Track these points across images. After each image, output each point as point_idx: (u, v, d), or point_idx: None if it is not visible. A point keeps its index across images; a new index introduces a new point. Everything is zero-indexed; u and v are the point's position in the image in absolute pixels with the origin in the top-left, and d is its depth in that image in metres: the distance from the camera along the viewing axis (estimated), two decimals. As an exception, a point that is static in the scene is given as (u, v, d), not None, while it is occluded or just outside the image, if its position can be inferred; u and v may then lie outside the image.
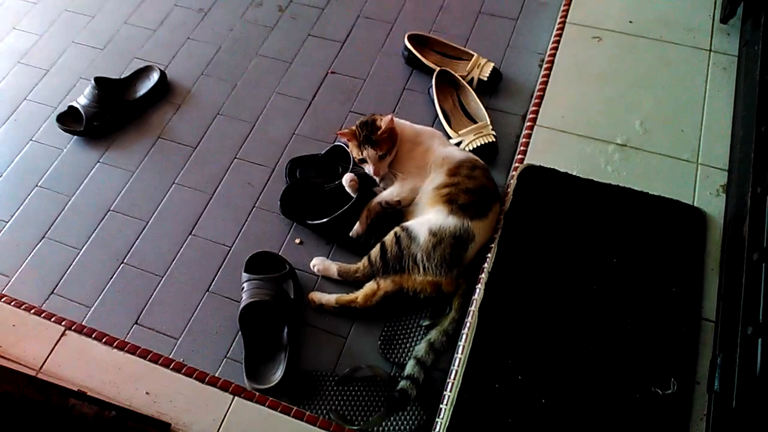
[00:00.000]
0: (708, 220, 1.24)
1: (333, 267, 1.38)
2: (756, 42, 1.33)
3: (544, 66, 1.58)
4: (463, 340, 1.19)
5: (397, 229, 1.30)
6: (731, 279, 1.09)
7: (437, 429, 1.11)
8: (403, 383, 1.17)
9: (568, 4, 1.66)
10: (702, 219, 1.24)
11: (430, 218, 1.28)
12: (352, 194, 1.41)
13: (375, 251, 1.31)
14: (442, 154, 1.36)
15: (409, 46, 1.72)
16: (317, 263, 1.40)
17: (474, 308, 1.21)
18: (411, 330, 1.30)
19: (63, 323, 1.31)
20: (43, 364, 1.24)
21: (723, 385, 0.98)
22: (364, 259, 1.33)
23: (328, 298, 1.34)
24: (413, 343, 1.27)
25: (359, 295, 1.31)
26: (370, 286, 1.31)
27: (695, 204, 1.27)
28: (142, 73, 1.79)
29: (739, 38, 1.47)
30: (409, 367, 1.20)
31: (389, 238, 1.30)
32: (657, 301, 1.15)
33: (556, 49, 1.58)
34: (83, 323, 1.35)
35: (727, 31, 1.52)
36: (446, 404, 1.12)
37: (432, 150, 1.38)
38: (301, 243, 1.47)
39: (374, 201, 1.39)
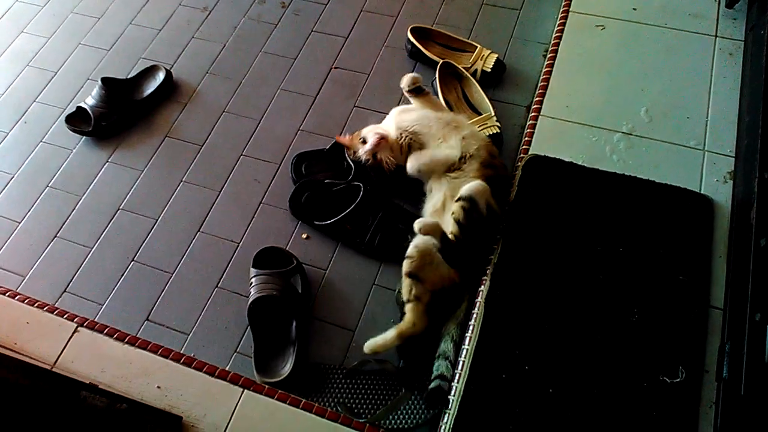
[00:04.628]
0: (715, 207, 1.23)
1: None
2: (762, 26, 1.31)
3: (548, 56, 1.57)
4: (470, 331, 1.20)
5: (461, 202, 1.25)
6: (739, 266, 1.08)
7: (445, 420, 1.11)
8: (436, 382, 1.16)
9: (571, -7, 1.65)
10: (709, 206, 1.23)
11: (485, 188, 1.26)
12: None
13: (455, 229, 1.24)
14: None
15: (412, 39, 1.72)
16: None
17: (480, 299, 1.21)
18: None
19: (75, 320, 1.33)
20: (57, 359, 1.26)
21: (731, 372, 0.97)
22: (454, 233, 1.25)
23: (388, 336, 1.23)
24: (431, 339, 1.25)
25: (411, 320, 1.23)
26: (413, 308, 1.23)
27: (702, 191, 1.26)
28: (148, 72, 1.81)
29: (745, 23, 1.45)
30: (443, 367, 1.18)
31: (460, 213, 1.24)
32: (664, 290, 1.14)
33: (559, 38, 1.57)
34: (95, 320, 1.37)
35: (733, 16, 1.50)
36: (453, 395, 1.12)
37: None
38: (308, 238, 1.48)
39: None
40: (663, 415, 1.03)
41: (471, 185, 1.26)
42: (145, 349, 1.28)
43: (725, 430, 0.97)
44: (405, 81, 1.48)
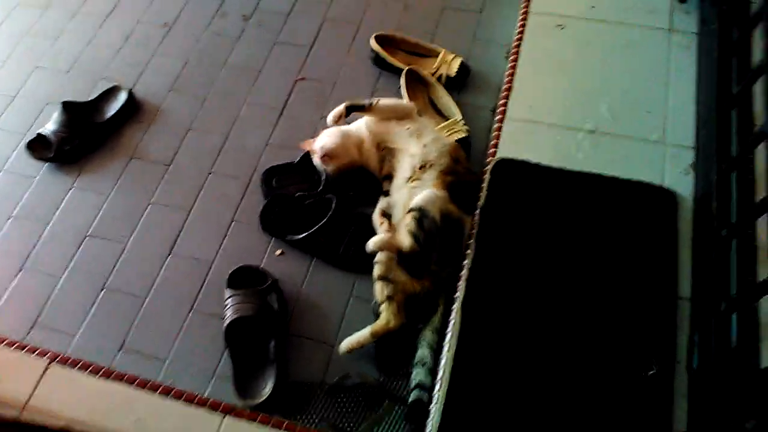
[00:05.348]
0: (679, 199, 1.25)
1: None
2: (713, 20, 1.34)
3: (510, 57, 1.59)
4: (447, 338, 1.20)
5: (412, 213, 1.27)
6: (703, 256, 1.10)
7: (429, 429, 1.11)
8: (415, 393, 1.17)
9: (530, -7, 1.66)
10: (672, 199, 1.25)
11: (437, 197, 1.28)
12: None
13: (409, 242, 1.26)
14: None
15: (376, 46, 1.72)
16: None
17: (457, 307, 1.22)
18: (403, 336, 1.29)
19: (47, 356, 1.30)
20: (29, 400, 1.23)
21: (701, 362, 0.99)
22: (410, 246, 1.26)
23: (363, 334, 1.26)
24: (409, 349, 1.26)
25: (386, 317, 1.25)
26: (386, 307, 1.26)
27: (666, 184, 1.28)
28: (109, 93, 1.77)
29: (698, 17, 1.49)
30: (421, 375, 1.19)
31: (412, 224, 1.26)
32: (634, 284, 1.16)
33: (520, 39, 1.59)
34: (67, 354, 1.33)
35: (686, 10, 1.53)
36: (435, 404, 1.13)
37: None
38: (282, 254, 1.47)
39: None
40: (639, 408, 1.05)
41: (422, 195, 1.29)
42: (121, 380, 1.25)
43: (698, 419, 0.99)
44: (329, 120, 1.47)
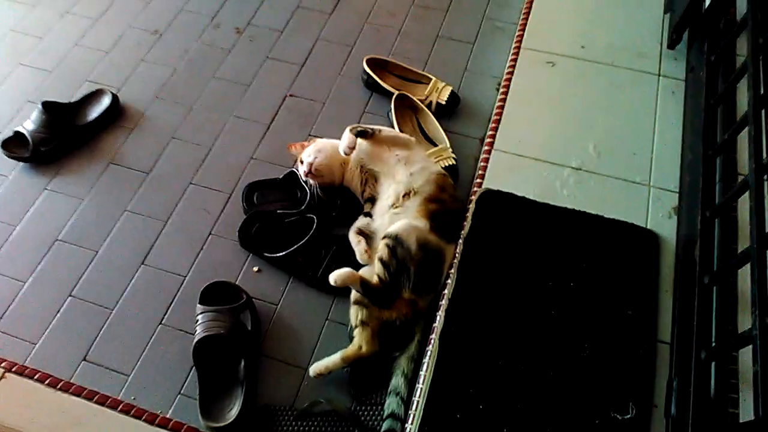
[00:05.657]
0: (661, 242, 1.26)
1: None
2: (700, 68, 1.37)
3: (501, 90, 1.60)
4: (424, 369, 1.17)
5: (386, 240, 1.27)
6: (684, 302, 1.10)
7: (399, 463, 1.08)
8: (388, 423, 1.15)
9: (523, 30, 1.68)
10: (655, 241, 1.26)
11: (413, 227, 1.28)
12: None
13: (380, 269, 1.26)
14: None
15: (368, 69, 1.72)
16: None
17: (435, 337, 1.19)
18: (378, 364, 1.26)
19: (3, 364, 1.24)
20: (-21, 411, 1.17)
21: (679, 409, 0.98)
22: (378, 274, 1.27)
23: (333, 359, 1.24)
24: (384, 377, 1.24)
25: (357, 343, 1.24)
26: (360, 332, 1.25)
27: (648, 226, 1.29)
28: (93, 96, 1.73)
29: (685, 63, 1.52)
30: (393, 405, 1.17)
31: (384, 252, 1.26)
32: (613, 325, 1.16)
33: (511, 73, 1.60)
34: (25, 363, 1.28)
35: (675, 56, 1.57)
36: (408, 437, 1.09)
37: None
38: (259, 271, 1.43)
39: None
40: (614, 452, 1.03)
41: (399, 223, 1.29)
42: (79, 395, 1.20)
43: (675, 466, 0.98)
44: (343, 149, 1.41)
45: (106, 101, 1.71)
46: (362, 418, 1.21)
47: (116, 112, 1.72)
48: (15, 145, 1.63)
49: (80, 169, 1.63)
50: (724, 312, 0.99)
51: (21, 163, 1.64)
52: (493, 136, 1.48)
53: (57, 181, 1.61)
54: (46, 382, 1.22)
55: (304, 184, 1.49)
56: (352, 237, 1.38)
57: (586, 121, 1.48)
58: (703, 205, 1.12)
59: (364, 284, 1.26)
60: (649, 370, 1.09)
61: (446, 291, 1.25)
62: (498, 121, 1.50)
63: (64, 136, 1.64)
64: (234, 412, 1.19)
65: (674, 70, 1.55)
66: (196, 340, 1.23)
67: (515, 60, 1.62)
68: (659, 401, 1.06)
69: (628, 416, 1.04)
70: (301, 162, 1.47)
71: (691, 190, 1.22)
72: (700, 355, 0.96)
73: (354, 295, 1.29)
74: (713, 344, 0.96)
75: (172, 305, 1.38)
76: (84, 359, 1.31)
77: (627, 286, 1.20)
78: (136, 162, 1.63)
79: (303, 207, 1.47)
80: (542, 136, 1.46)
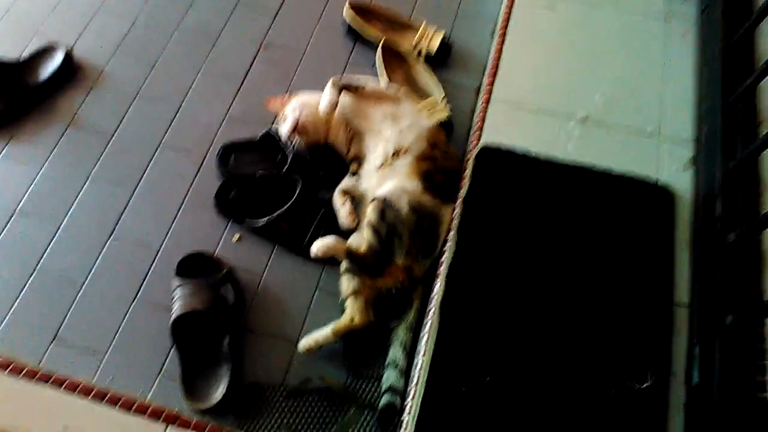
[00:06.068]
0: (675, 197, 1.17)
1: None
2: (715, 8, 1.26)
3: (497, 36, 1.47)
4: (424, 340, 1.09)
5: (375, 203, 1.19)
6: (705, 261, 1.03)
7: (401, 441, 1.01)
8: (387, 397, 1.09)
9: (519, -31, 1.54)
10: (669, 197, 1.17)
11: (404, 189, 1.20)
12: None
13: (369, 235, 1.18)
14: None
15: (351, 15, 1.57)
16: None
17: (434, 305, 1.10)
18: (375, 335, 1.18)
19: (-41, 352, 1.12)
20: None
21: (702, 379, 0.92)
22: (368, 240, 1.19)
23: (324, 332, 1.16)
24: (382, 349, 1.17)
25: (349, 314, 1.16)
26: (352, 302, 1.17)
27: (661, 180, 1.20)
28: (44, 53, 1.55)
29: (698, 4, 1.40)
30: (392, 378, 1.11)
31: (373, 216, 1.18)
32: (627, 288, 1.08)
33: (508, 17, 1.47)
34: (-14, 349, 1.16)
35: (684, -3, 1.45)
36: (409, 414, 1.02)
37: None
38: (240, 240, 1.32)
39: None
40: (631, 421, 0.98)
41: (389, 185, 1.21)
42: (47, 382, 1.09)
43: (695, 435, 0.92)
44: (324, 109, 1.31)
45: (59, 57, 1.53)
46: (358, 393, 1.14)
47: (71, 70, 1.55)
48: (-40, 109, 1.47)
49: (36, 134, 1.47)
50: (748, 273, 0.92)
51: (-32, 130, 1.47)
52: (491, 85, 1.36)
53: (11, 148, 1.46)
54: (9, 368, 1.10)
55: (285, 143, 1.36)
56: (337, 199, 1.29)
57: (592, 69, 1.38)
58: (723, 156, 1.03)
59: (350, 254, 1.18)
60: (665, 336, 1.02)
61: (445, 256, 1.16)
62: (495, 69, 1.38)
63: (15, 98, 1.48)
64: (220, 392, 1.11)
65: (684, 11, 1.43)
66: (173, 317, 1.13)
67: (512, 2, 1.49)
68: (677, 368, 1.00)
69: (647, 384, 0.97)
70: (284, 119, 1.34)
71: (710, 140, 1.12)
72: (725, 320, 0.89)
73: (342, 263, 1.21)
74: (741, 308, 0.88)
75: (146, 279, 1.27)
76: (53, 340, 1.20)
77: (640, 246, 1.12)
78: (98, 124, 1.48)
79: (285, 169, 1.35)
80: (544, 85, 1.36)
